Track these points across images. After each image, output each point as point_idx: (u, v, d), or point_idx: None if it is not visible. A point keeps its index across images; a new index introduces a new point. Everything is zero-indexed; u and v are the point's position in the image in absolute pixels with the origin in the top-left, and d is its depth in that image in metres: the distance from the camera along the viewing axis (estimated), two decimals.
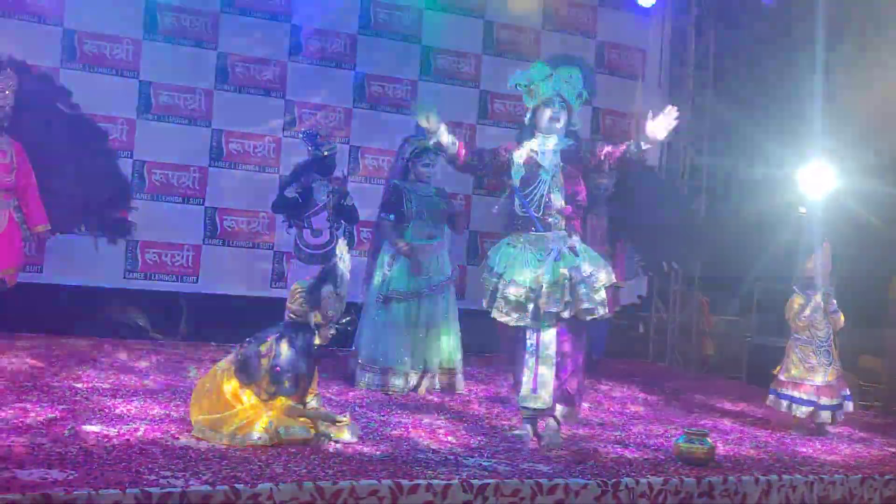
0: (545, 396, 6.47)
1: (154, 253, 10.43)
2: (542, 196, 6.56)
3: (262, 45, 10.80)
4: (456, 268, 8.84)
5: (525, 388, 6.52)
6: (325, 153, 8.98)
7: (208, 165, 10.62)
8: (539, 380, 6.47)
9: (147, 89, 10.38)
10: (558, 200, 6.56)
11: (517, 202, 6.63)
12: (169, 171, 10.48)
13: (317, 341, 6.04)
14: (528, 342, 6.52)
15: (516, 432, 6.73)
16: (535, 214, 6.53)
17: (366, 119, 11.22)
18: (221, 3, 10.62)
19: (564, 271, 6.45)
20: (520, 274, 6.51)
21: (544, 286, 6.42)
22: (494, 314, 6.60)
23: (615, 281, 6.72)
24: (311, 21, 10.97)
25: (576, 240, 6.64)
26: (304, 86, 10.98)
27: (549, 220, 6.55)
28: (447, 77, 11.57)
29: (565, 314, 6.46)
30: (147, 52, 10.36)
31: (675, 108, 6.33)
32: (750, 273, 11.86)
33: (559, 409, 6.61)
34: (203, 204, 10.63)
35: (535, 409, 6.55)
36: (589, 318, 6.55)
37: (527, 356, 6.52)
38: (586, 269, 6.51)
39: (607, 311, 6.66)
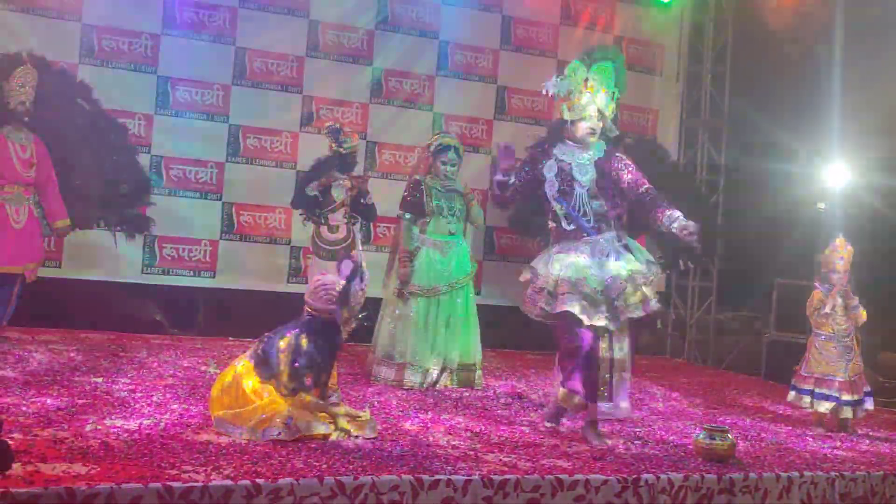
0: (626, 405, 6.57)
1: (172, 248, 10.45)
2: (580, 205, 6.56)
3: (279, 41, 10.81)
4: (475, 264, 8.81)
5: (605, 397, 6.53)
6: (347, 150, 8.98)
7: (225, 161, 10.64)
8: (616, 387, 6.51)
9: (165, 84, 10.39)
10: (599, 207, 6.57)
11: (562, 215, 6.61)
12: (186, 166, 10.51)
13: (344, 335, 6.06)
14: (604, 346, 6.51)
15: (548, 424, 6.79)
16: (586, 223, 6.53)
17: (383, 114, 11.22)
18: None
19: (629, 271, 6.46)
20: (586, 275, 6.45)
21: (622, 289, 6.41)
22: (568, 307, 6.44)
23: (660, 273, 6.71)
24: (329, 16, 10.97)
25: (622, 237, 6.64)
26: (321, 81, 10.98)
27: (596, 224, 6.56)
28: (465, 72, 11.56)
29: (635, 314, 6.46)
30: (165, 48, 10.37)
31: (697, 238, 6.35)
32: (768, 269, 11.83)
33: (605, 406, 6.63)
34: (220, 199, 10.64)
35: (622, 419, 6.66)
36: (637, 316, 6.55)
37: (584, 357, 6.50)
38: (643, 269, 6.53)
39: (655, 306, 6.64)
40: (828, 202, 12.35)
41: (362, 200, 9.15)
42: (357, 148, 9.22)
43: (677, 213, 6.43)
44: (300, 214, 9.35)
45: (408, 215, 8.52)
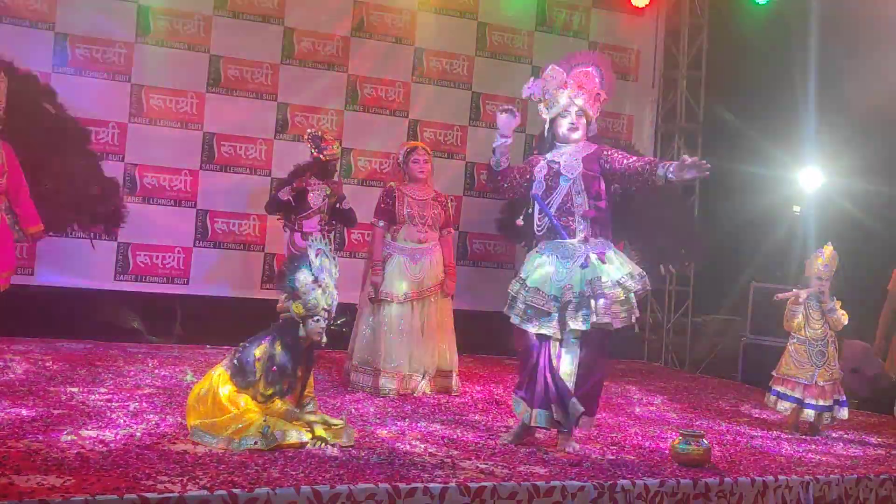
0: (558, 413, 6.44)
1: (145, 255, 10.41)
2: (562, 202, 6.48)
3: (254, 48, 10.78)
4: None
5: (539, 401, 6.46)
6: (326, 157, 8.98)
7: (199, 168, 10.60)
8: (554, 395, 6.43)
9: (139, 92, 10.34)
10: (581, 205, 6.47)
11: (537, 213, 6.55)
12: (160, 174, 10.45)
13: (302, 333, 6.00)
14: (551, 354, 6.45)
15: (504, 439, 6.64)
16: (558, 221, 6.45)
17: (358, 121, 11.20)
18: (214, 6, 10.58)
19: (589, 281, 6.34)
20: (545, 281, 6.42)
21: (571, 299, 6.34)
22: (514, 319, 6.49)
23: (648, 288, 6.62)
24: (304, 24, 10.96)
25: (602, 244, 6.51)
26: (296, 88, 10.97)
27: (573, 225, 6.46)
28: (440, 79, 11.57)
29: (585, 327, 6.36)
30: (139, 56, 10.32)
31: (709, 165, 6.17)
32: (745, 272, 11.88)
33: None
34: (195, 207, 10.61)
35: (544, 426, 6.53)
36: (613, 328, 6.41)
37: (544, 368, 6.44)
38: (613, 277, 6.40)
39: (633, 318, 6.52)
40: (803, 206, 12.41)
41: (338, 205, 9.16)
42: (337, 156, 9.21)
43: (669, 162, 6.30)
44: (278, 219, 9.34)
45: (380, 223, 8.53)
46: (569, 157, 6.56)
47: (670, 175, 6.22)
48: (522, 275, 6.55)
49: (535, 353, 6.49)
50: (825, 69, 11.23)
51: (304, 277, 6.00)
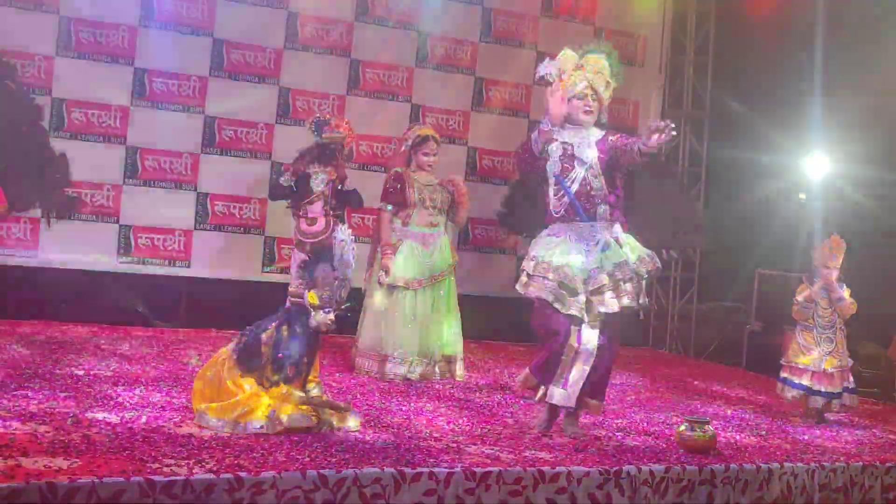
0: (573, 395, 6.43)
1: (147, 238, 10.41)
2: (581, 185, 6.47)
3: (257, 33, 10.75)
4: (456, 255, 8.80)
5: (560, 383, 6.43)
6: (326, 140, 8.94)
7: (201, 152, 10.59)
8: (573, 378, 6.41)
9: (142, 76, 10.32)
10: (600, 189, 6.47)
11: (555, 195, 6.54)
12: (162, 157, 10.46)
13: (312, 322, 5.97)
14: (572, 337, 6.43)
15: (537, 424, 6.60)
16: (580, 203, 6.45)
17: (361, 107, 11.16)
18: None
19: (617, 265, 6.39)
20: (573, 260, 6.39)
21: (604, 283, 6.35)
22: (547, 297, 6.39)
23: (659, 266, 6.67)
24: (308, 8, 10.93)
25: (618, 229, 6.56)
26: (299, 73, 10.93)
27: (593, 208, 6.47)
28: (444, 64, 11.52)
29: (614, 310, 6.39)
30: (142, 39, 10.29)
31: (673, 124, 6.16)
32: (750, 259, 11.86)
33: (589, 401, 6.58)
34: (195, 190, 10.60)
35: (565, 407, 6.51)
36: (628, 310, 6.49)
37: (567, 350, 6.43)
38: (631, 259, 6.45)
39: (646, 300, 6.61)
40: (809, 193, 12.39)
41: (340, 187, 9.13)
42: (337, 139, 9.15)
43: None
44: (287, 207, 9.31)
45: (389, 207, 8.50)
46: (582, 141, 6.55)
47: (643, 147, 6.23)
48: (538, 254, 6.49)
49: (563, 335, 6.43)
50: (832, 55, 11.19)
51: (325, 270, 5.98)
